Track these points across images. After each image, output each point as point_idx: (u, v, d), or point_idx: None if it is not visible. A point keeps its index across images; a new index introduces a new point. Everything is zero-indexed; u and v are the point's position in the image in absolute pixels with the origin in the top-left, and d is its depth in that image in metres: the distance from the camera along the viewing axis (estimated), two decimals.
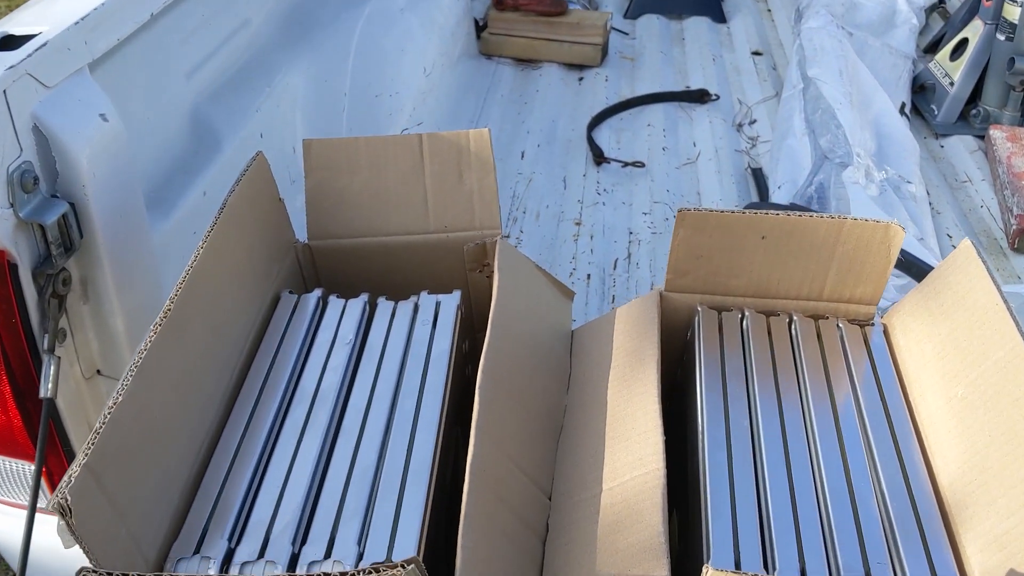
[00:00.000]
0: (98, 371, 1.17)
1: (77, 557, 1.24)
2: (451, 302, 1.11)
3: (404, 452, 0.91)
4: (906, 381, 1.01)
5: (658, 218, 1.98)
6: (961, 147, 2.19)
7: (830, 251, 1.07)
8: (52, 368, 1.03)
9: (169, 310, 0.90)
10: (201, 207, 1.41)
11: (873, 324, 1.10)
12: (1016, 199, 1.85)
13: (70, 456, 1.14)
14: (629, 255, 1.88)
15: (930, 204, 1.96)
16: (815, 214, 1.07)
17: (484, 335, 1.24)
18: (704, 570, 0.63)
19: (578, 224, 1.95)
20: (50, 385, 1.03)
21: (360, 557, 0.81)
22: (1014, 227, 1.81)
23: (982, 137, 2.20)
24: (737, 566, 0.81)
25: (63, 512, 0.71)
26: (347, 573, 0.66)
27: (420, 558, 0.80)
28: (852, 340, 1.07)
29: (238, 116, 1.60)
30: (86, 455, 0.75)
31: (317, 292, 1.14)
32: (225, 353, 1.00)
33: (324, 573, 0.65)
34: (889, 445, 0.93)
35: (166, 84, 1.46)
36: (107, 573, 0.67)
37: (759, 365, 1.03)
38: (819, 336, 1.08)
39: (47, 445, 1.06)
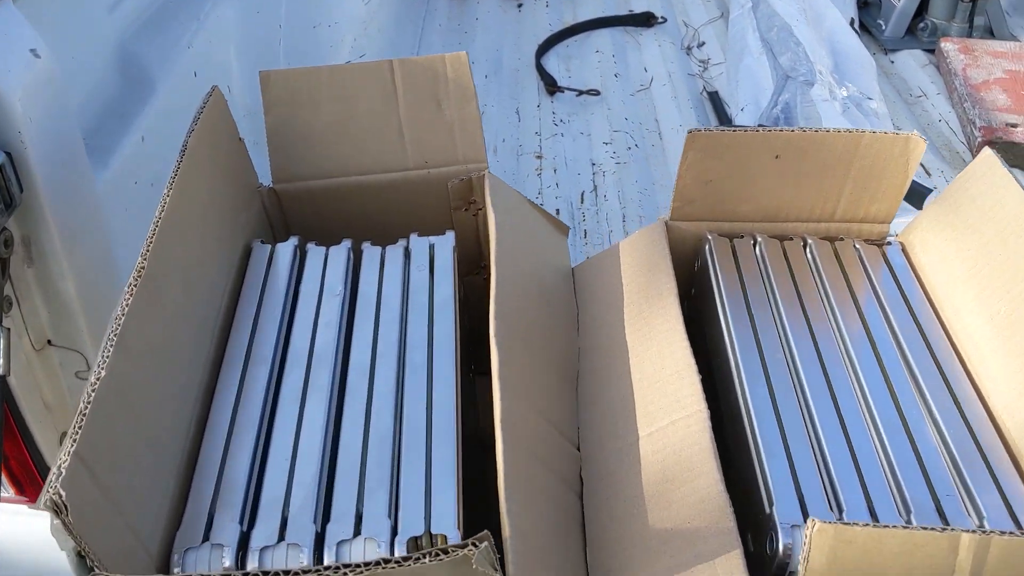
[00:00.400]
0: (49, 341, 1.05)
1: (42, 551, 1.13)
2: (446, 244, 1.01)
3: (423, 411, 0.82)
4: (936, 301, 0.96)
5: (620, 148, 1.90)
6: (911, 62, 2.16)
7: (846, 168, 1.01)
8: (1, 342, 0.90)
9: (142, 269, 0.78)
10: (141, 154, 1.27)
11: (890, 243, 1.05)
12: (977, 111, 1.83)
13: (27, 439, 1.02)
14: (595, 187, 1.80)
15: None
16: (831, 129, 1.00)
17: (476, 278, 1.16)
18: (810, 523, 0.57)
19: (539, 158, 1.86)
20: (0, 360, 0.90)
21: (394, 532, 0.72)
22: (978, 139, 1.79)
23: (931, 51, 2.18)
24: (803, 508, 0.75)
25: (58, 510, 0.60)
26: (409, 558, 0.57)
27: (461, 528, 0.72)
28: (872, 260, 1.02)
29: (169, 53, 1.45)
30: (74, 442, 0.64)
31: (293, 240, 1.03)
32: (202, 314, 0.89)
33: (383, 559, 0.57)
34: (933, 370, 0.88)
35: (87, 18, 1.31)
36: None
37: (782, 292, 0.97)
38: (838, 258, 1.02)
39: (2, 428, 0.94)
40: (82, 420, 0.65)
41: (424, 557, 0.57)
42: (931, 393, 0.86)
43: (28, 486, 1.08)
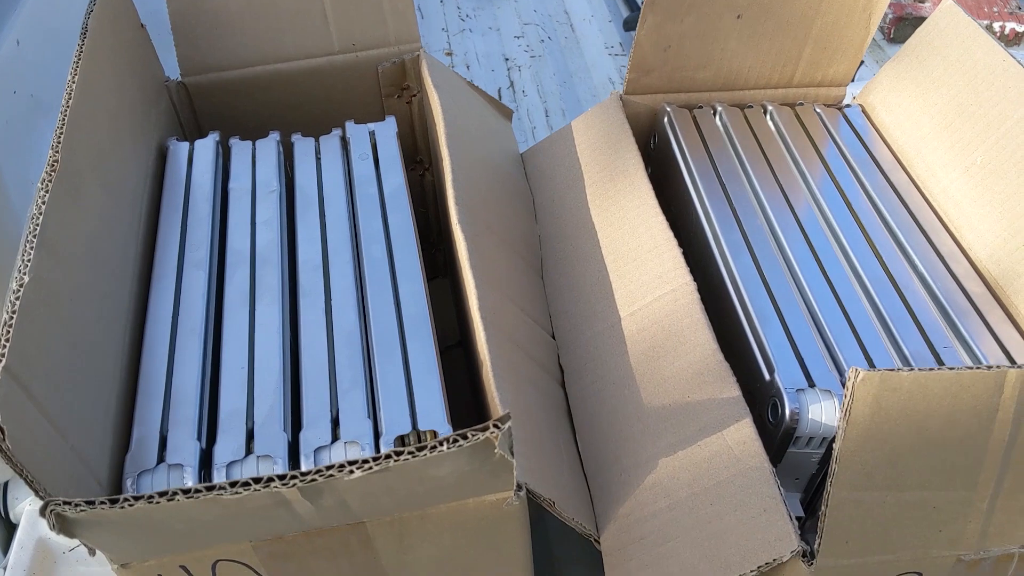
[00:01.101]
0: None
1: None
2: (388, 130, 0.92)
3: (392, 307, 0.74)
4: (905, 159, 0.93)
5: (533, 41, 1.82)
6: None
7: (808, 26, 0.96)
8: None
9: (55, 163, 0.67)
10: (17, 60, 1.12)
11: (850, 105, 1.01)
12: None
13: None
14: (512, 83, 1.71)
15: None
16: None
17: (413, 174, 1.07)
18: (852, 372, 0.52)
19: (449, 55, 1.76)
20: None
21: (377, 434, 0.65)
22: (890, 16, 1.77)
23: None
24: (805, 372, 0.71)
25: None
26: (425, 447, 0.50)
27: (450, 422, 0.66)
28: (834, 124, 0.98)
29: None
30: (2, 357, 0.54)
31: (213, 135, 0.92)
32: (124, 215, 0.78)
33: (394, 452, 0.49)
34: (912, 226, 0.85)
35: None
36: (84, 502, 0.48)
37: (751, 160, 0.92)
38: (801, 123, 0.97)
39: None
40: (8, 331, 0.55)
41: (442, 445, 0.50)
42: (914, 249, 0.83)
43: None
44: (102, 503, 0.48)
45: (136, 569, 0.58)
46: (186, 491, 0.49)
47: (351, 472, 0.50)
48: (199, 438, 0.65)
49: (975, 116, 0.86)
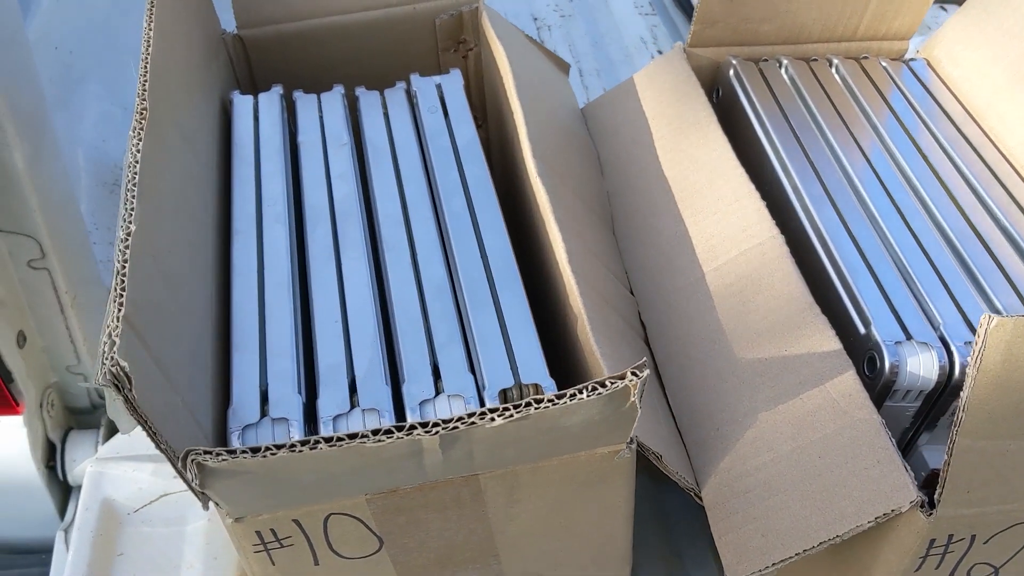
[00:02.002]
0: None
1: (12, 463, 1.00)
2: (454, 83, 0.91)
3: (478, 258, 0.73)
4: (976, 113, 0.92)
5: (561, 1, 1.79)
6: None
7: None
8: None
9: (144, 111, 0.65)
10: (54, 16, 1.10)
11: (915, 59, 1.00)
12: None
13: None
14: (542, 42, 1.69)
15: None
16: None
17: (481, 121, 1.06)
18: (985, 318, 0.51)
19: None
20: None
21: (480, 387, 0.64)
22: None
23: None
24: (901, 325, 0.70)
25: (119, 384, 0.49)
26: (564, 395, 0.49)
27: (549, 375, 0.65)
28: (901, 78, 0.97)
29: None
30: (120, 306, 0.52)
31: (277, 89, 0.90)
32: (201, 168, 0.77)
33: (533, 399, 0.49)
34: (990, 178, 0.84)
35: None
36: (226, 451, 0.48)
37: (823, 113, 0.91)
38: (868, 76, 0.96)
39: None
40: (123, 280, 0.54)
41: (581, 393, 0.49)
42: (994, 202, 0.82)
43: None
44: (243, 452, 0.48)
45: (250, 523, 0.57)
46: (328, 439, 0.48)
47: (492, 420, 0.49)
48: (300, 392, 0.64)
49: None
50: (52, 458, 1.02)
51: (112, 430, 0.98)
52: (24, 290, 0.93)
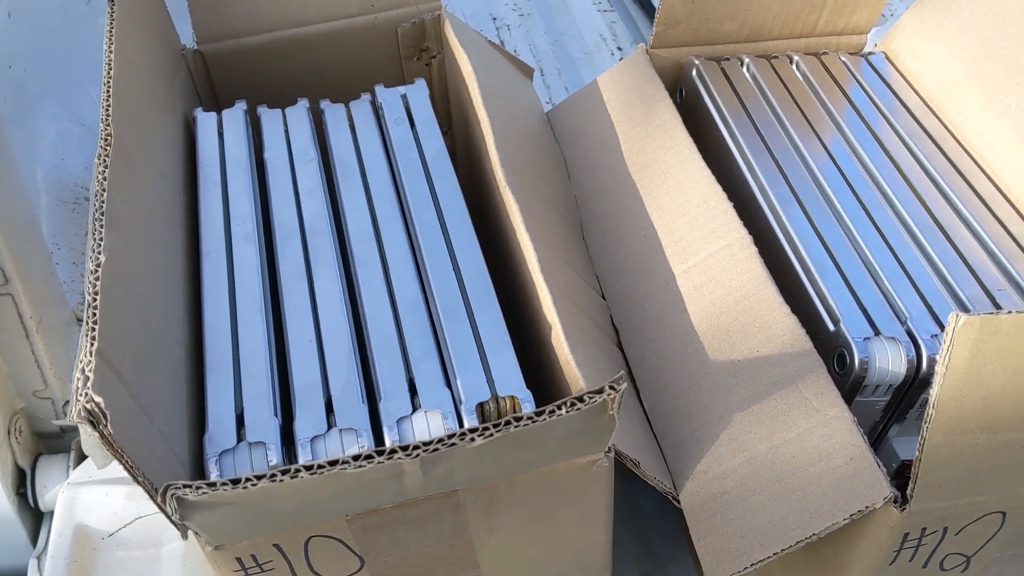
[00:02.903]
0: None
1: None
2: (420, 94, 0.91)
3: (451, 274, 0.73)
4: (935, 105, 0.94)
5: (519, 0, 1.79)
6: None
7: None
8: None
9: (109, 136, 0.65)
10: (8, 33, 1.08)
11: (874, 53, 1.01)
12: None
13: None
14: (502, 42, 1.69)
15: None
16: None
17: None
18: (953, 317, 0.52)
19: None
20: None
21: (457, 401, 0.65)
22: None
23: None
24: (869, 321, 0.72)
25: (94, 420, 0.49)
26: (544, 411, 0.50)
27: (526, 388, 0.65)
28: (861, 72, 0.98)
29: None
30: (92, 340, 0.52)
31: (240, 104, 0.89)
32: (168, 189, 0.76)
33: (513, 418, 0.49)
34: (950, 170, 0.86)
35: None
36: (206, 485, 0.47)
37: (786, 111, 0.92)
38: (828, 72, 0.97)
39: None
40: (94, 313, 0.53)
41: (560, 408, 0.50)
42: (955, 194, 0.83)
43: None
44: (223, 484, 0.47)
45: (230, 550, 0.57)
46: (308, 467, 0.48)
47: (472, 440, 0.49)
48: (276, 414, 0.64)
49: (1007, 59, 0.87)
50: (22, 485, 1.00)
51: (83, 454, 0.97)
52: None
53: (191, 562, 0.90)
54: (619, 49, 1.68)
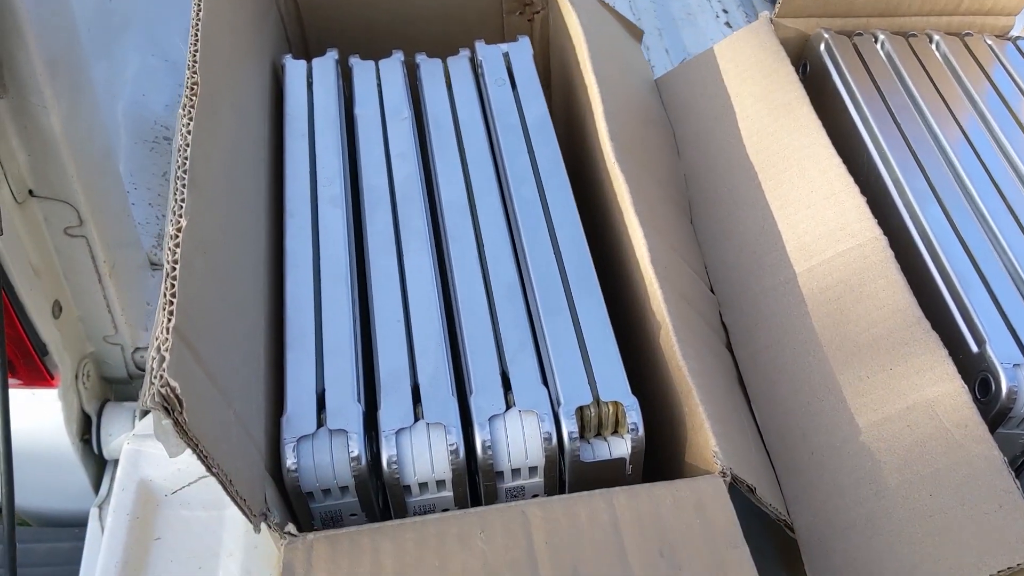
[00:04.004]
0: (31, 192, 0.85)
1: (44, 440, 0.97)
2: (523, 53, 0.84)
3: (552, 257, 0.67)
4: None
5: None
6: None
7: None
8: None
9: (195, 84, 0.59)
10: None
11: (1022, 37, 0.91)
12: None
13: (18, 310, 0.84)
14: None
15: None
16: None
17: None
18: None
19: None
20: None
21: (554, 403, 0.59)
22: None
23: None
24: (1019, 345, 0.64)
25: (169, 406, 0.44)
26: None
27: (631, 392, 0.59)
28: (1008, 57, 0.88)
29: None
30: (170, 316, 0.47)
31: (332, 54, 0.83)
32: (252, 142, 0.71)
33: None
34: None
35: None
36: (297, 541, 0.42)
37: (925, 96, 0.83)
38: (972, 55, 0.88)
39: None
40: (173, 284, 0.48)
41: None
42: None
43: (21, 366, 0.91)
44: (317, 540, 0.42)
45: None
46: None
47: None
48: (359, 399, 0.59)
49: None
50: (87, 431, 0.98)
51: None
52: (60, 258, 0.89)
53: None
54: (724, 11, 1.58)
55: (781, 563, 0.65)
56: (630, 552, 0.50)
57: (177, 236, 0.50)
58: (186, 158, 0.54)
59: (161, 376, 0.44)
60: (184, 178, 0.53)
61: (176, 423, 0.44)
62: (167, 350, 0.45)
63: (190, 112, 0.57)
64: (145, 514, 0.88)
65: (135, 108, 1.06)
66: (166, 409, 0.44)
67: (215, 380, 0.50)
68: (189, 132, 0.56)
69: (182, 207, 0.52)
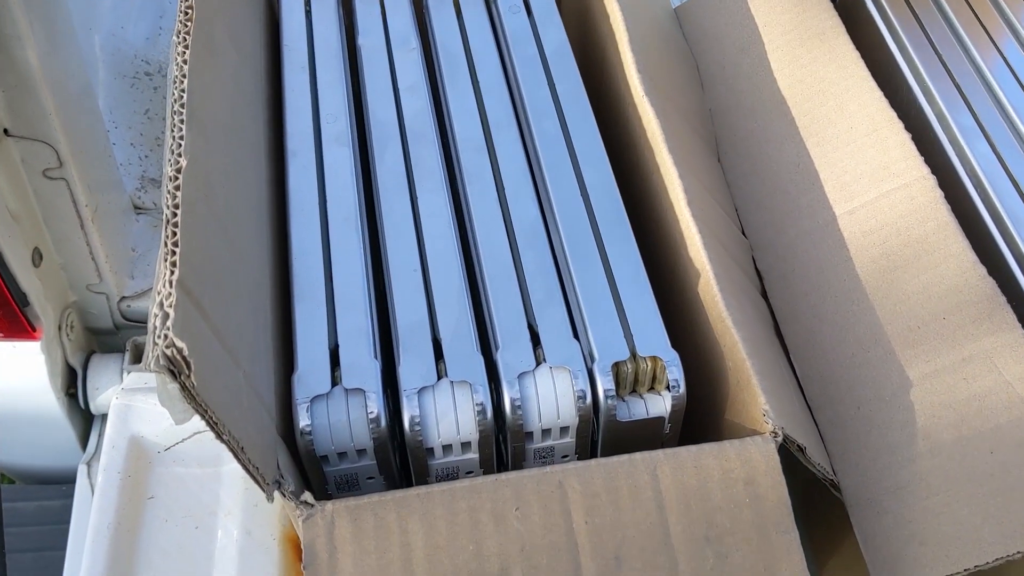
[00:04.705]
0: (5, 131, 0.79)
1: (27, 392, 0.92)
2: None
3: (578, 197, 0.62)
4: None
5: None
6: None
7: None
8: None
9: (190, 8, 0.53)
10: None
11: None
12: None
13: None
14: None
15: None
16: None
17: None
18: None
19: None
20: None
21: (588, 359, 0.54)
22: None
23: None
24: None
25: (177, 369, 0.39)
26: None
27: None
28: None
29: None
30: (173, 268, 0.42)
31: None
32: (250, 75, 0.65)
33: None
34: None
35: None
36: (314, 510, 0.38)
37: (965, 25, 0.77)
38: None
39: None
40: (174, 232, 0.43)
41: None
42: None
43: (1, 317, 0.86)
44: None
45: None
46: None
47: None
48: (376, 355, 0.54)
49: None
50: (73, 385, 0.93)
51: (140, 354, 0.89)
52: (40, 203, 0.83)
53: (255, 484, 0.82)
54: None
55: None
56: (675, 536, 0.46)
57: (177, 178, 0.45)
58: (183, 90, 0.49)
59: (166, 336, 0.39)
60: (182, 112, 0.48)
61: (183, 387, 0.40)
62: (171, 306, 0.40)
63: (185, 39, 0.51)
64: (137, 473, 0.84)
65: (113, 41, 0.99)
66: (172, 372, 0.39)
67: (223, 339, 0.45)
68: (185, 61, 0.50)
69: (181, 145, 0.46)
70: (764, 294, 0.68)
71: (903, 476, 0.55)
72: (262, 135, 0.63)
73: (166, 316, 0.40)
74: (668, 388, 0.54)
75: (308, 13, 0.74)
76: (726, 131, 0.77)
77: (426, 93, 0.68)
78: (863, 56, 0.74)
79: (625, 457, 0.50)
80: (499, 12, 0.75)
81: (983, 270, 0.59)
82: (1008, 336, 0.56)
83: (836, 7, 0.83)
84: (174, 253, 0.42)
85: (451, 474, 0.54)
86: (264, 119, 0.65)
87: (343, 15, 0.75)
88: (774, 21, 0.79)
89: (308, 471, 0.52)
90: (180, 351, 0.39)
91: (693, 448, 0.51)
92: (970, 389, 0.56)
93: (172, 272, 0.41)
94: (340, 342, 0.54)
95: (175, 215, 0.43)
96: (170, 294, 0.40)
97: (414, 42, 0.72)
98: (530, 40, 0.72)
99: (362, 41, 0.72)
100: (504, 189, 0.63)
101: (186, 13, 0.52)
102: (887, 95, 0.71)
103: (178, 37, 0.51)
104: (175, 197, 0.44)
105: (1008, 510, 0.51)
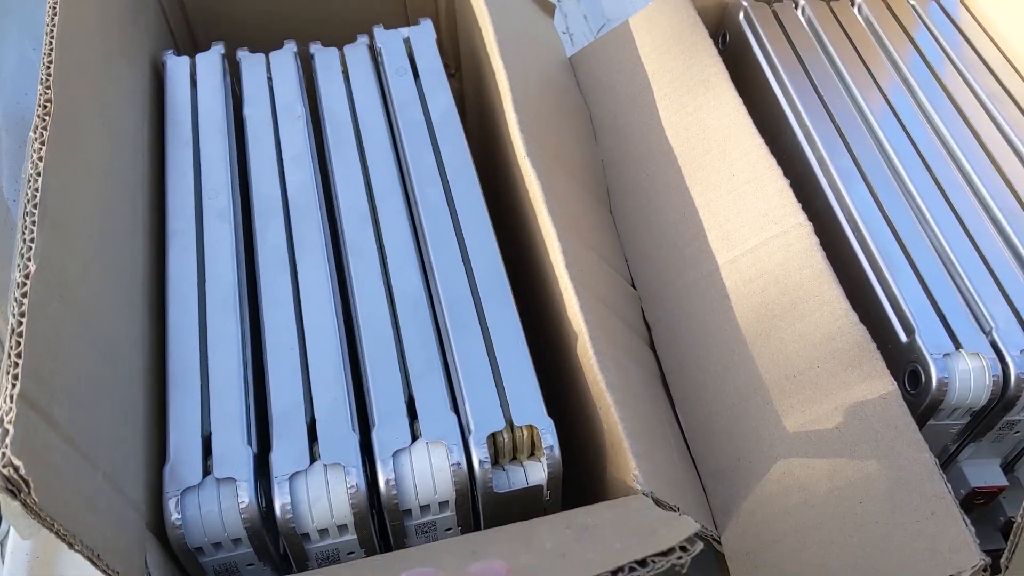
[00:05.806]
0: None
1: None
2: (425, 37, 0.78)
3: (460, 265, 0.62)
4: (1018, 61, 0.81)
5: None
6: None
7: None
8: None
9: (48, 103, 0.53)
10: None
11: None
12: None
13: None
14: None
15: None
16: None
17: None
18: None
19: None
20: None
21: (465, 431, 0.55)
22: None
23: None
24: (949, 333, 0.61)
25: (15, 488, 0.39)
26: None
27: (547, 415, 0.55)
28: (931, 17, 0.85)
29: None
30: (15, 381, 0.42)
31: (217, 48, 0.77)
32: (128, 158, 0.65)
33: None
34: None
35: None
36: None
37: (848, 65, 0.79)
38: (895, 16, 0.85)
39: None
40: (19, 343, 0.43)
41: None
42: None
43: None
44: None
45: None
46: None
47: None
48: (250, 442, 0.54)
49: None
50: None
51: None
52: None
53: None
54: None
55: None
56: None
57: (24, 284, 0.45)
58: (36, 190, 0.49)
59: (3, 455, 0.39)
60: (34, 214, 0.48)
61: (24, 505, 0.40)
62: (11, 422, 0.40)
63: (42, 135, 0.51)
64: (46, 553, 0.83)
65: (16, 109, 0.98)
66: (11, 492, 0.39)
67: (76, 444, 0.45)
68: (41, 159, 0.50)
69: (31, 249, 0.46)
70: (652, 346, 0.69)
71: (779, 528, 0.56)
72: (141, 217, 0.63)
73: (5, 433, 0.40)
74: (544, 455, 0.54)
75: (194, 84, 0.74)
76: (617, 182, 0.78)
77: (311, 162, 0.69)
78: (750, 100, 0.75)
79: (502, 529, 0.50)
80: (386, 75, 0.75)
81: (855, 316, 0.60)
82: (877, 383, 0.57)
83: (725, 51, 0.85)
84: (17, 365, 0.42)
85: (331, 557, 0.54)
86: (144, 201, 0.65)
87: (230, 83, 0.75)
88: (663, 68, 0.80)
89: (185, 563, 0.52)
90: (17, 469, 0.39)
91: (568, 512, 0.51)
92: (842, 439, 0.57)
93: (13, 385, 0.41)
94: (213, 430, 0.54)
95: (20, 324, 0.43)
96: (10, 409, 0.40)
97: (299, 109, 0.72)
98: (416, 104, 0.73)
99: (248, 111, 0.72)
100: (387, 259, 0.63)
101: (44, 107, 0.52)
102: (772, 139, 0.72)
103: (35, 133, 0.51)
104: (21, 305, 0.44)
105: (876, 563, 0.52)
